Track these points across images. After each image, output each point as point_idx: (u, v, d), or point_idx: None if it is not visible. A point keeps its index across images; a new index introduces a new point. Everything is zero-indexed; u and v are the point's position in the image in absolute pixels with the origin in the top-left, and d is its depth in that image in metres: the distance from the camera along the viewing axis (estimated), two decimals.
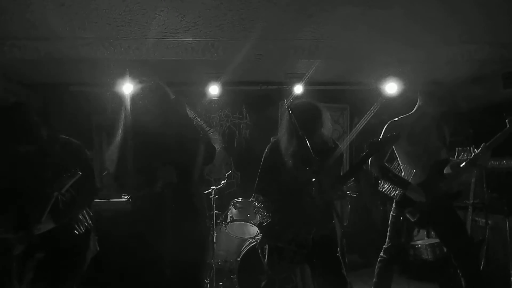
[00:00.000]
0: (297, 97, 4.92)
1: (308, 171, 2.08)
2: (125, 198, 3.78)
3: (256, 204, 2.79)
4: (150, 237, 2.14)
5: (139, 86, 2.30)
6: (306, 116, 2.42)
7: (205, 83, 4.93)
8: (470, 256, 3.01)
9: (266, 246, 2.63)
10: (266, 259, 2.62)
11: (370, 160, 3.06)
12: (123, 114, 2.30)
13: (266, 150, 2.76)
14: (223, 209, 4.51)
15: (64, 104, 5.19)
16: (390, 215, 3.22)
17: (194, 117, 2.27)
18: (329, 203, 2.24)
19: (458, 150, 3.22)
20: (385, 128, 3.15)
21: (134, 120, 2.23)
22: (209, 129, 2.37)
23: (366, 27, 3.60)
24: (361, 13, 3.33)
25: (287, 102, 2.39)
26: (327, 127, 2.53)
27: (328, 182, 2.15)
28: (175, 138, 2.12)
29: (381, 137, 3.08)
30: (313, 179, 2.04)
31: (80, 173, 2.24)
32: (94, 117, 5.41)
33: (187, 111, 2.23)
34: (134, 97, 2.27)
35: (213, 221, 4.13)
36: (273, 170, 2.59)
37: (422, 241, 4.64)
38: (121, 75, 4.34)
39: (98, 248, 2.70)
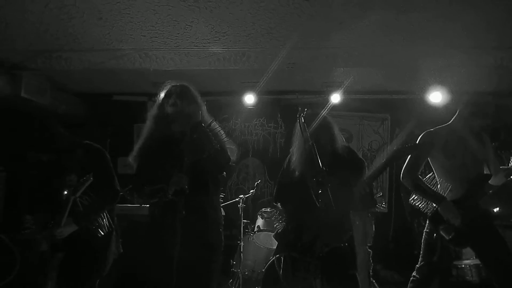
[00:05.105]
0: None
1: (314, 182, 2.01)
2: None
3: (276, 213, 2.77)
4: (161, 243, 2.16)
5: (165, 87, 2.35)
6: (316, 127, 2.37)
7: (242, 92, 4.97)
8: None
9: (282, 256, 2.58)
10: (281, 270, 2.57)
11: (402, 171, 2.94)
12: (148, 119, 2.38)
13: (286, 159, 2.74)
14: (255, 218, 4.48)
15: (108, 112, 5.47)
16: (424, 232, 3.03)
17: (210, 124, 2.26)
18: (345, 215, 2.15)
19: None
20: (420, 137, 2.99)
21: (155, 123, 2.28)
22: (225, 137, 2.37)
23: (401, 32, 3.45)
24: (394, 18, 3.20)
25: (301, 112, 2.33)
26: (339, 139, 2.46)
27: (337, 193, 2.06)
28: (188, 145, 2.13)
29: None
30: (319, 191, 1.98)
31: (92, 178, 2.33)
32: (136, 126, 5.63)
33: (202, 118, 2.23)
34: (160, 98, 2.32)
35: (241, 230, 4.11)
36: (289, 179, 2.55)
37: (469, 260, 4.28)
38: (162, 84, 4.49)
39: (121, 250, 2.79)
